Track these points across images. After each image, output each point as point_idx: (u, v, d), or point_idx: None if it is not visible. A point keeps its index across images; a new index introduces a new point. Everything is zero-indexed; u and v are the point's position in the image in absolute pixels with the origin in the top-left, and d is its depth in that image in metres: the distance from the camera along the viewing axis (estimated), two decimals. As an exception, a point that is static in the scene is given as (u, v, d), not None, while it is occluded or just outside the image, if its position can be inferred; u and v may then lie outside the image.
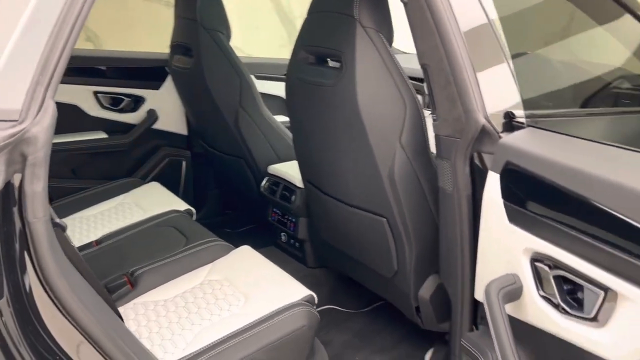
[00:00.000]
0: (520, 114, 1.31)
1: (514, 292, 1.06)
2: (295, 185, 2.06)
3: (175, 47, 2.30)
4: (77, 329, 0.88)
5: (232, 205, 2.75)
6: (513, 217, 1.07)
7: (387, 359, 1.82)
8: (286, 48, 5.97)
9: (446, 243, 1.44)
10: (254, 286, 1.56)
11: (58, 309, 0.86)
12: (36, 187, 0.81)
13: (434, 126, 1.40)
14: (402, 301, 1.69)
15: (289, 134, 2.28)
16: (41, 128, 0.80)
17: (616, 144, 1.00)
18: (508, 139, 1.14)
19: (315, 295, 1.52)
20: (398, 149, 1.49)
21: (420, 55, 1.37)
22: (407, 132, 1.49)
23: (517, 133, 1.16)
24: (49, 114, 0.81)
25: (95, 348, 0.91)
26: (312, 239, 2.07)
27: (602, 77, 1.83)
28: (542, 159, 1.02)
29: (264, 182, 2.21)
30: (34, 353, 0.80)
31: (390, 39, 1.50)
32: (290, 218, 2.11)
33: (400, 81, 1.46)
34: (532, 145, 1.08)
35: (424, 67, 1.37)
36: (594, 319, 0.89)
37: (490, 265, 1.17)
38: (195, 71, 2.16)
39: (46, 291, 0.84)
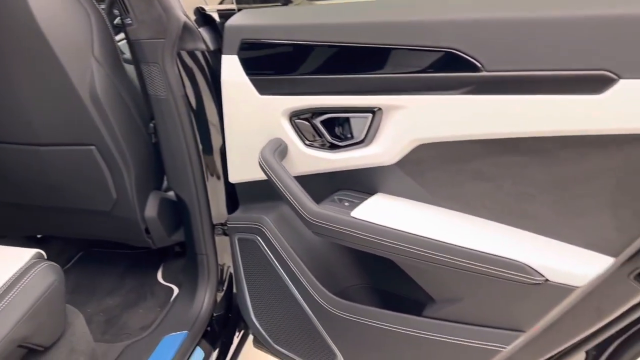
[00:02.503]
0: (209, 8, 1.39)
1: (282, 152, 1.20)
2: None
3: None
4: None
5: None
6: (263, 88, 1.19)
7: (120, 296, 1.73)
8: None
9: (170, 150, 1.45)
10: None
11: None
12: None
13: (131, 31, 1.34)
14: (128, 229, 1.61)
15: None
16: None
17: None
18: (234, 20, 1.22)
19: (42, 251, 1.31)
20: (94, 63, 1.37)
21: None
22: (98, 44, 1.38)
23: (237, 15, 1.25)
24: None
25: None
26: (-23, 210, 1.68)
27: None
28: (279, 26, 1.15)
29: None
30: None
31: None
32: None
33: None
34: (261, 19, 1.20)
35: None
36: (363, 141, 1.13)
37: (245, 143, 1.27)
38: None
39: None
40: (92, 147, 1.45)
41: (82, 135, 1.43)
